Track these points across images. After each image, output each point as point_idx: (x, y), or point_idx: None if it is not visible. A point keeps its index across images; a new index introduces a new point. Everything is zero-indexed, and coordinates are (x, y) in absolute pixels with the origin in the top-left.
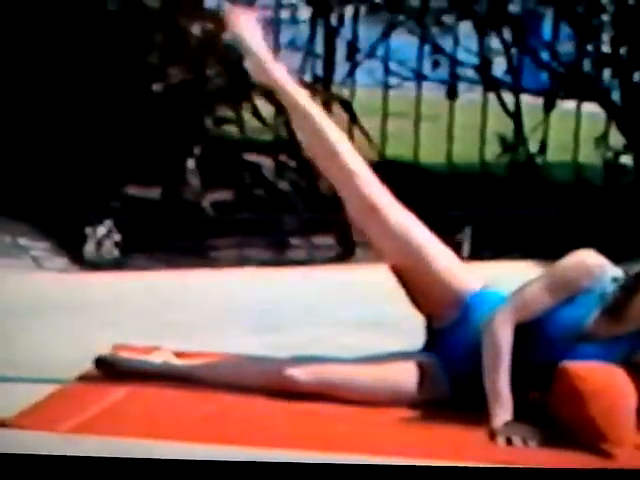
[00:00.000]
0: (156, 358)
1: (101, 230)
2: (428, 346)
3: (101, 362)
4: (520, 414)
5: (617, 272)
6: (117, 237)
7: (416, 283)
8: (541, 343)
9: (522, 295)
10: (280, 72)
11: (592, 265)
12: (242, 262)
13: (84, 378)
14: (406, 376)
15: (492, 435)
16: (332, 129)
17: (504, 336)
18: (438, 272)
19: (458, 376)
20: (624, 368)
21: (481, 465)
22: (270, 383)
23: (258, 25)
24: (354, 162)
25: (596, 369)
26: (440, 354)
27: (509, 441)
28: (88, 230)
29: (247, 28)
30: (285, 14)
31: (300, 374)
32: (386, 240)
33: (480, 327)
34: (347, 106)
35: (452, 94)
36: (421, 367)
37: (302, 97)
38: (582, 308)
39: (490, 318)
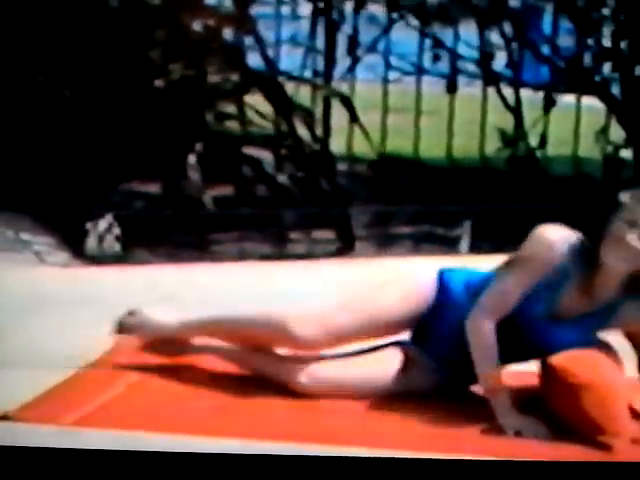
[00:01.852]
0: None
1: (102, 225)
2: (416, 337)
3: (121, 326)
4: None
5: (582, 243)
6: (118, 232)
7: None
8: (519, 326)
9: (497, 291)
10: None
11: (553, 239)
12: (243, 256)
13: (86, 371)
14: (388, 366)
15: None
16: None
17: (488, 335)
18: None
19: (447, 360)
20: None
21: (480, 458)
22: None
23: None
24: None
25: (582, 360)
26: (427, 341)
27: (518, 434)
28: (90, 225)
29: None
30: (286, 10)
31: (305, 380)
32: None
33: (459, 308)
34: (347, 103)
35: (452, 88)
36: (406, 355)
37: None
38: (553, 286)
39: (471, 318)
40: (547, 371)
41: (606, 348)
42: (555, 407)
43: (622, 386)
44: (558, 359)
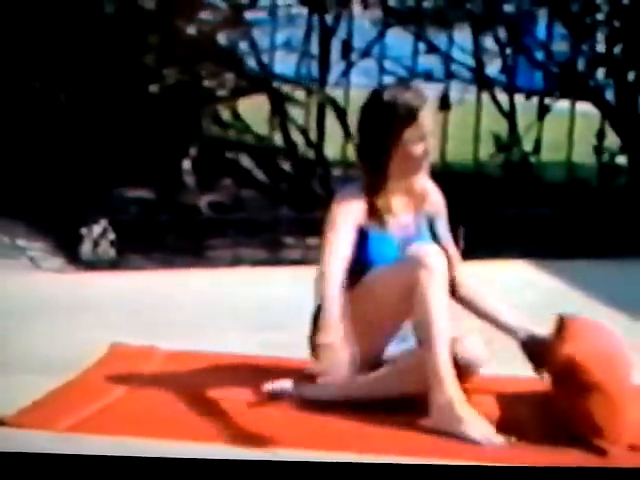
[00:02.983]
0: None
1: (97, 230)
2: None
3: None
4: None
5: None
6: (113, 237)
7: None
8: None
9: (327, 250)
10: None
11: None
12: (237, 262)
13: (82, 377)
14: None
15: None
16: None
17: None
18: None
19: None
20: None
21: (477, 464)
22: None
23: None
24: None
25: (601, 360)
26: None
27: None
28: (84, 230)
29: None
30: (281, 14)
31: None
32: None
33: None
34: (341, 116)
35: (445, 104)
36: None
37: None
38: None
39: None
40: (565, 364)
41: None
42: (561, 403)
43: (629, 393)
44: (580, 355)
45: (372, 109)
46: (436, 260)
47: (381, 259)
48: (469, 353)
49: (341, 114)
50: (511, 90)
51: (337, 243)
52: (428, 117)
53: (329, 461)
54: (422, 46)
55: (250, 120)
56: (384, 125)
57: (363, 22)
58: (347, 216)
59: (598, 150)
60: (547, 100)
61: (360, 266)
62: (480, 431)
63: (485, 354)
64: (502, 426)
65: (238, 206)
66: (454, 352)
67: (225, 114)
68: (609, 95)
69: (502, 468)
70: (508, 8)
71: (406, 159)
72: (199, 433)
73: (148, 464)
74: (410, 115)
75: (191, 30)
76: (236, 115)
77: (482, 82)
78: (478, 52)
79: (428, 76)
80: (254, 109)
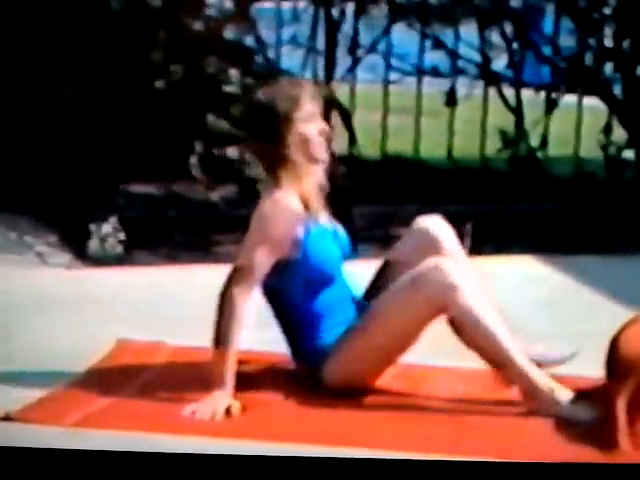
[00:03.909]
0: None
1: (105, 226)
2: None
3: None
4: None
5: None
6: (121, 233)
7: None
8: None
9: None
10: None
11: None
12: None
13: (89, 372)
14: None
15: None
16: None
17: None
18: None
19: None
20: None
21: (480, 459)
22: None
23: None
24: None
25: None
26: None
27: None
28: (92, 226)
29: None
30: (286, 10)
31: None
32: None
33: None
34: (347, 120)
35: (452, 100)
36: None
37: None
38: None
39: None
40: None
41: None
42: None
43: None
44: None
45: (256, 104)
46: (458, 269)
47: (324, 253)
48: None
49: (346, 116)
50: (518, 85)
51: (259, 269)
52: (310, 101)
53: (332, 456)
54: (428, 42)
55: None
56: (270, 113)
57: (370, 18)
58: (277, 232)
59: (604, 145)
60: (554, 95)
61: (303, 267)
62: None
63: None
64: None
65: (244, 202)
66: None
67: (233, 109)
68: (616, 89)
69: (506, 464)
70: (515, 3)
71: (303, 142)
72: (206, 429)
73: (155, 459)
74: (292, 99)
75: (197, 26)
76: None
77: (489, 77)
78: (485, 47)
79: (435, 72)
80: None
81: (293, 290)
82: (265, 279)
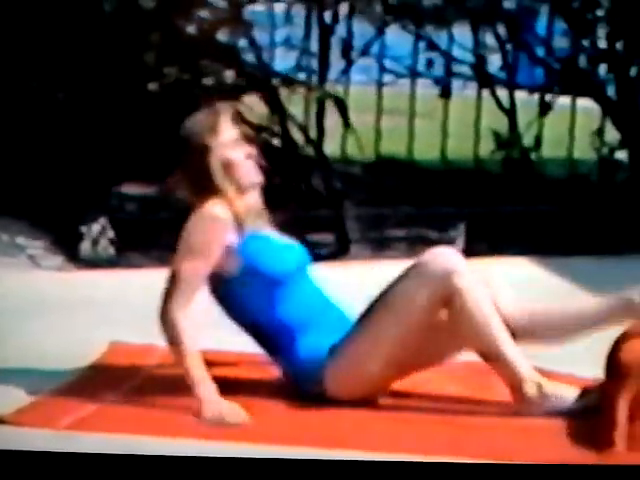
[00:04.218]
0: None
1: (97, 228)
2: None
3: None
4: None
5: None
6: (112, 235)
7: None
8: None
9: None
10: None
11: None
12: None
13: (82, 375)
14: None
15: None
16: None
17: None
18: None
19: None
20: None
21: (480, 461)
22: None
23: None
24: None
25: None
26: None
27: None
28: (84, 228)
29: None
30: (280, 13)
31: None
32: None
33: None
34: (341, 107)
35: (446, 93)
36: None
37: None
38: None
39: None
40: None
41: None
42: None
43: None
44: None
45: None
46: (459, 257)
47: (269, 260)
48: None
49: (340, 104)
50: (511, 86)
51: (190, 283)
52: (230, 127)
53: (328, 459)
54: (422, 43)
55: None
56: (189, 144)
57: (363, 20)
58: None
59: (597, 147)
60: (548, 96)
61: (250, 278)
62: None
63: None
64: None
65: None
66: None
67: None
68: (610, 91)
69: (506, 466)
70: (508, 4)
71: (227, 168)
72: (199, 431)
73: (147, 462)
74: (209, 128)
75: (190, 28)
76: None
77: (482, 79)
78: (478, 49)
79: (427, 73)
80: (254, 106)
81: (255, 306)
82: (229, 306)
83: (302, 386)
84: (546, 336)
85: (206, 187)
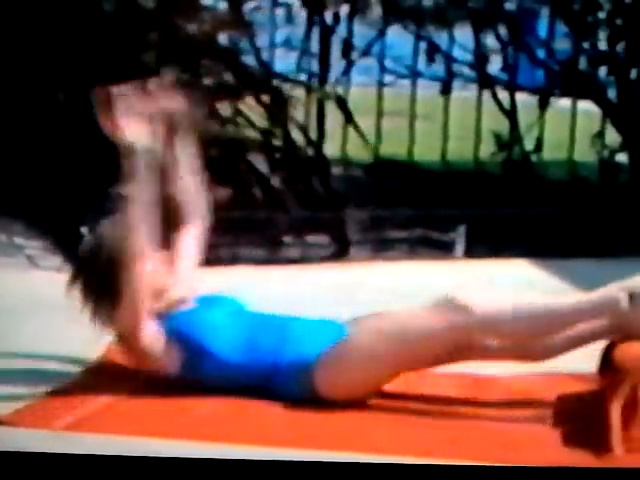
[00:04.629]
0: None
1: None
2: None
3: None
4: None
5: None
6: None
7: None
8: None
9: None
10: None
11: None
12: (236, 260)
13: (80, 375)
14: None
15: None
16: None
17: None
18: None
19: None
20: None
21: (479, 464)
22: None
23: None
24: None
25: None
26: None
27: None
28: (83, 229)
29: None
30: (280, 14)
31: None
32: None
33: None
34: (342, 104)
35: (446, 89)
36: None
37: None
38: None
39: None
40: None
41: None
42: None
43: None
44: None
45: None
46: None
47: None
48: None
49: (341, 101)
50: (512, 88)
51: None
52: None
53: (326, 461)
54: (423, 44)
55: (250, 118)
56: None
57: (364, 20)
58: None
59: (598, 149)
60: (549, 98)
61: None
62: None
63: None
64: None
65: (237, 204)
66: None
67: (225, 112)
68: (610, 93)
69: (505, 468)
70: (509, 6)
71: None
72: (198, 432)
73: (147, 463)
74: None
75: (190, 28)
76: (235, 113)
77: (483, 80)
78: (479, 50)
79: (428, 72)
80: (254, 107)
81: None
82: (208, 379)
83: (293, 395)
84: (515, 333)
85: None
